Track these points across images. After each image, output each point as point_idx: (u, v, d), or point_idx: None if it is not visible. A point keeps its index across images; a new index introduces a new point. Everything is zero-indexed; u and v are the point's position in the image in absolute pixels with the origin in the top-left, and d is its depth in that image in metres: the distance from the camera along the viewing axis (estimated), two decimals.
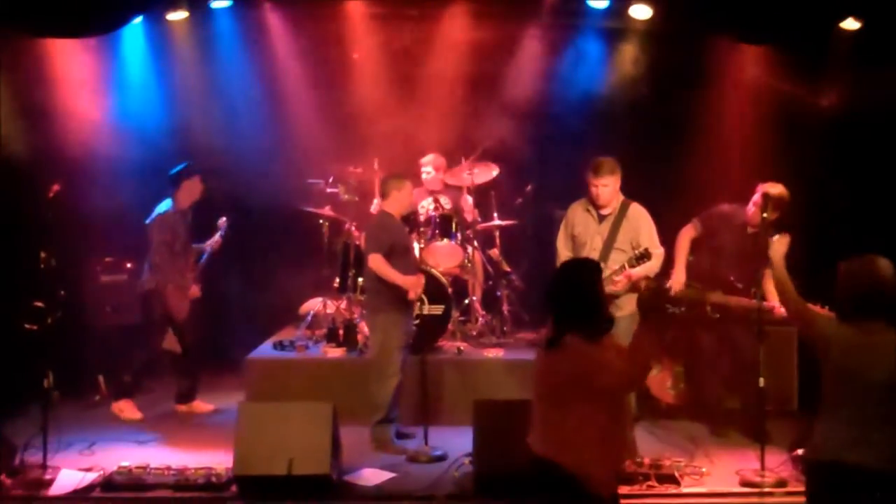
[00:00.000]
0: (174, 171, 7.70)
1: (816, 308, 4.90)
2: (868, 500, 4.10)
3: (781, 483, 6.05)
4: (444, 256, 8.40)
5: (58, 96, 8.05)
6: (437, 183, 8.76)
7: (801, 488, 4.90)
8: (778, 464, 6.22)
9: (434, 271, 7.95)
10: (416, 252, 7.76)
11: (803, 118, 8.53)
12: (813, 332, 4.39)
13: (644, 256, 6.34)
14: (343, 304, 8.49)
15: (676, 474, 6.05)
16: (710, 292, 7.00)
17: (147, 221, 7.60)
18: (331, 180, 8.81)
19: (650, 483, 5.99)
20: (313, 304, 8.87)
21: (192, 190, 7.74)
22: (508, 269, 9.04)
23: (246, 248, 9.16)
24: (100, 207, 7.93)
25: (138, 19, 8.24)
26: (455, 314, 8.11)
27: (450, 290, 7.99)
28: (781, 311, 6.54)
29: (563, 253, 6.85)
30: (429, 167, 8.78)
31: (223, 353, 8.67)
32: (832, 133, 8.44)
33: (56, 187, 6.37)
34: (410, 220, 8.18)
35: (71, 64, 8.06)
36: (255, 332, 8.78)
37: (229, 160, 8.89)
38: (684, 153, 8.66)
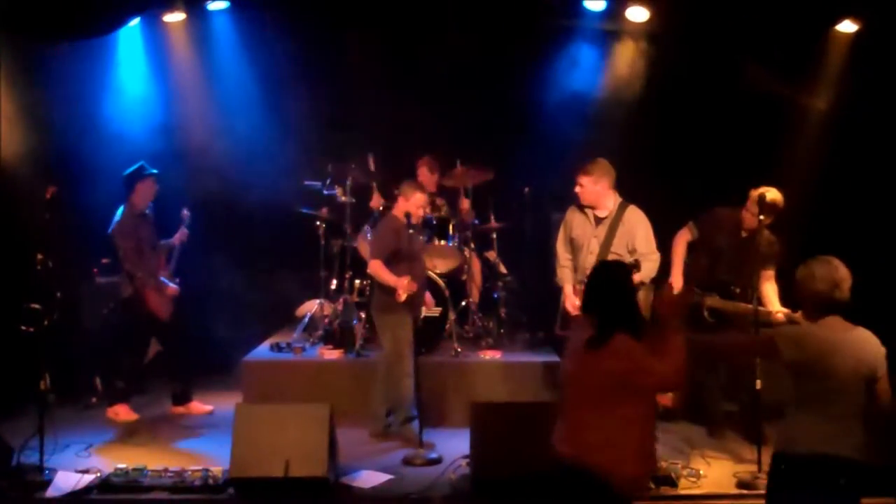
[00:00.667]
0: (126, 172, 7.62)
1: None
2: (844, 488, 4.27)
3: None
4: (440, 258, 8.42)
5: (54, 98, 8.04)
6: (433, 184, 8.76)
7: None
8: None
9: (431, 273, 7.96)
10: None
11: (799, 121, 8.56)
12: (779, 355, 4.44)
13: (634, 267, 6.23)
14: (340, 306, 8.49)
15: (673, 476, 6.05)
16: (706, 296, 7.01)
17: (109, 231, 7.57)
18: (328, 182, 8.81)
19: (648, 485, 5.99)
20: (310, 306, 8.86)
21: (146, 192, 7.65)
22: (505, 271, 9.05)
23: (243, 250, 9.16)
24: (96, 209, 7.91)
25: (135, 21, 8.25)
26: (452, 316, 8.12)
27: (447, 292, 8.01)
28: (779, 315, 6.60)
29: (563, 255, 6.86)
30: (424, 168, 8.80)
31: (220, 354, 8.66)
32: (828, 135, 8.47)
33: (52, 189, 6.35)
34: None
35: (68, 66, 8.04)
36: (252, 334, 8.79)
37: (226, 162, 8.90)
38: (681, 156, 8.68)
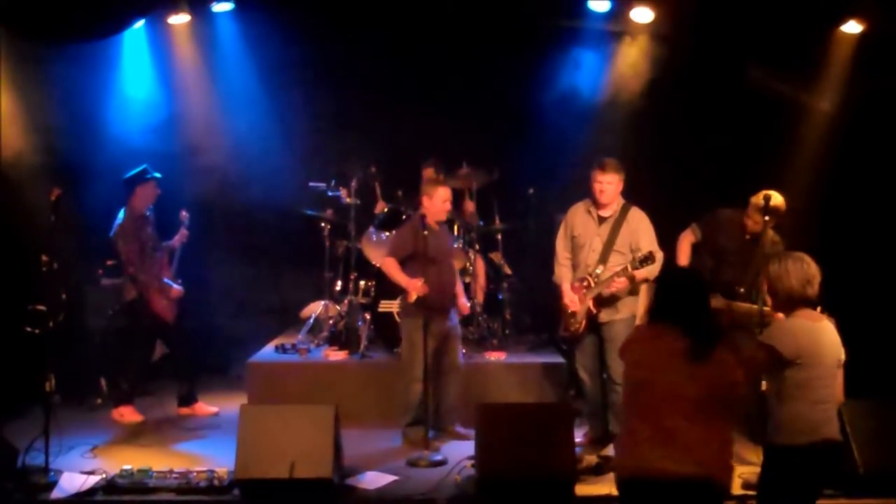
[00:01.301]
0: (127, 176, 7.62)
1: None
2: (833, 470, 4.56)
3: None
4: None
5: (59, 100, 8.06)
6: None
7: None
8: None
9: None
10: None
11: (803, 122, 8.55)
12: (781, 356, 4.51)
13: (648, 259, 6.36)
14: (345, 308, 8.49)
15: None
16: (711, 297, 6.98)
17: (111, 235, 7.58)
18: (332, 183, 8.81)
19: None
20: (315, 308, 8.87)
21: (146, 195, 7.65)
22: (510, 272, 9.05)
23: (248, 252, 9.18)
24: (100, 211, 7.92)
25: (139, 23, 8.26)
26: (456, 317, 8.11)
27: None
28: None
29: (562, 254, 6.89)
30: (430, 170, 8.80)
31: (225, 356, 8.68)
32: (832, 136, 8.46)
33: (57, 191, 6.36)
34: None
35: (73, 68, 8.05)
36: (257, 336, 8.79)
37: (231, 163, 8.91)
38: (685, 157, 8.67)
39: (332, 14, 8.57)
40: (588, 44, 9.08)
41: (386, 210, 8.69)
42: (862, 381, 6.45)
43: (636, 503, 4.19)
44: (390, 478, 6.27)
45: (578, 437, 6.80)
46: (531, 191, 9.06)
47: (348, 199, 8.67)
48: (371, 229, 8.62)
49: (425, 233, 6.88)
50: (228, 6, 8.48)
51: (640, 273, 6.40)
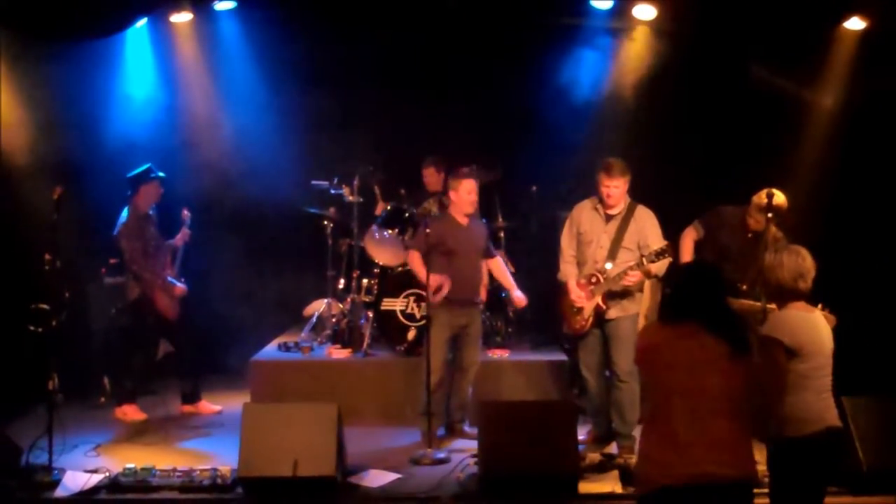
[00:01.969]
0: (131, 174, 7.62)
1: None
2: (839, 456, 4.68)
3: None
4: None
5: (62, 98, 8.06)
6: (440, 184, 8.75)
7: None
8: None
9: None
10: None
11: (806, 118, 8.53)
12: (782, 352, 4.50)
13: (664, 252, 6.34)
14: (347, 306, 8.49)
15: None
16: None
17: (114, 233, 7.58)
18: (335, 182, 8.81)
19: None
20: (318, 306, 8.87)
21: (149, 194, 7.65)
22: (513, 269, 9.03)
23: (251, 250, 9.18)
24: (103, 209, 7.93)
25: (142, 22, 8.26)
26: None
27: None
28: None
29: (567, 251, 6.87)
30: (432, 168, 8.80)
31: (228, 354, 8.68)
32: (834, 133, 8.45)
33: (60, 189, 6.36)
34: (413, 220, 8.19)
35: (75, 66, 8.05)
36: (260, 334, 8.80)
37: (233, 161, 8.91)
38: (687, 154, 8.67)
39: (334, 12, 8.55)
40: (590, 41, 9.07)
41: (388, 207, 8.67)
42: (866, 378, 6.50)
43: None
44: (393, 476, 6.26)
45: (582, 434, 6.80)
46: (534, 188, 9.06)
47: (351, 198, 8.66)
48: (374, 227, 8.60)
49: (427, 231, 6.88)
50: (231, 4, 8.47)
51: (655, 267, 6.43)
